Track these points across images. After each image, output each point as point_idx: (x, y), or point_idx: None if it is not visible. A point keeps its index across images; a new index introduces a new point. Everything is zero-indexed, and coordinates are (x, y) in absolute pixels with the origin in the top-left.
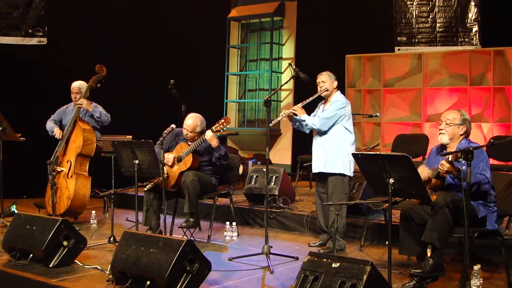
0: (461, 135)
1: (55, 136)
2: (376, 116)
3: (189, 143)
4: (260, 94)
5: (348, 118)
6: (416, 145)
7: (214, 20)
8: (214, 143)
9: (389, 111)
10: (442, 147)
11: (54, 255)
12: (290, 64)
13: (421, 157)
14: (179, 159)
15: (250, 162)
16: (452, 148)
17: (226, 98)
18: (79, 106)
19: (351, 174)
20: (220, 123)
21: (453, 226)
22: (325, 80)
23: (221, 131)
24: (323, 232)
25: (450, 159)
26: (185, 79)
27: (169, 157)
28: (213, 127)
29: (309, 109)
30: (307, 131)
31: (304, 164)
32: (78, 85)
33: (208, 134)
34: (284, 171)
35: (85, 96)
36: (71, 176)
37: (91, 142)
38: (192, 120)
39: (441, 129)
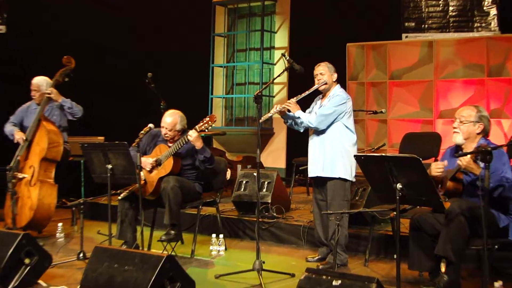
0: (478, 134)
1: (16, 141)
2: (382, 112)
3: (169, 144)
4: (249, 89)
5: (349, 115)
6: (427, 145)
7: (197, 4)
8: (199, 144)
9: (396, 106)
10: (457, 148)
11: (14, 275)
12: (283, 55)
13: (433, 158)
14: (158, 163)
15: (239, 166)
16: (469, 149)
17: (211, 93)
18: (48, 95)
19: (353, 179)
20: (205, 121)
21: (471, 237)
22: (323, 72)
23: (206, 130)
24: (322, 245)
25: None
26: (165, 72)
27: (147, 161)
28: (196, 127)
29: (305, 104)
30: (302, 130)
31: (301, 168)
32: (36, 81)
33: (193, 134)
34: (278, 175)
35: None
36: (34, 184)
37: (57, 145)
38: (171, 117)
39: (455, 128)
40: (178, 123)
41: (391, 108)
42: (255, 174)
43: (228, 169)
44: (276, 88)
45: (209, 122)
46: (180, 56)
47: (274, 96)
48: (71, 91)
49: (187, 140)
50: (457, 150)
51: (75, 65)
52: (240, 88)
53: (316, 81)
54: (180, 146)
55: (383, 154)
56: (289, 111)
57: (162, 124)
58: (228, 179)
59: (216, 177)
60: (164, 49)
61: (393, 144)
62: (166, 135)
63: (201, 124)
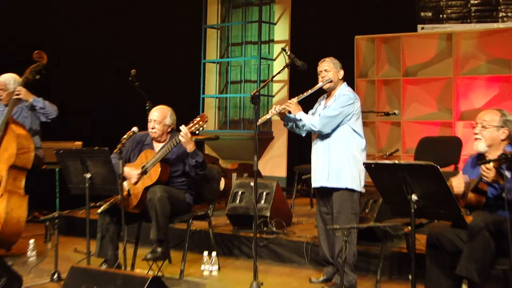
0: (502, 140)
1: None
2: (394, 114)
3: (156, 144)
4: (246, 87)
5: (357, 117)
6: (446, 151)
7: None
8: (191, 147)
9: (410, 107)
10: (480, 156)
11: None
12: (283, 49)
13: (453, 166)
14: (143, 171)
15: (233, 175)
16: (493, 157)
17: (203, 93)
18: (17, 95)
19: (362, 189)
20: (195, 122)
21: (496, 255)
22: (328, 69)
23: (197, 132)
24: (328, 264)
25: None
26: (150, 69)
27: (132, 172)
28: (186, 127)
29: (307, 105)
30: (304, 134)
31: (304, 177)
32: (3, 80)
33: (185, 135)
34: (278, 185)
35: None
36: (2, 195)
37: (28, 151)
38: (160, 110)
39: (477, 134)
40: (168, 116)
41: (405, 109)
42: (252, 184)
43: (222, 178)
44: (275, 87)
45: (200, 123)
46: (168, 51)
47: (273, 96)
48: (43, 90)
49: (177, 142)
50: (479, 159)
51: (47, 60)
52: (235, 87)
53: (320, 79)
54: (169, 150)
55: (396, 162)
56: (289, 112)
57: (149, 118)
58: (221, 189)
59: (208, 187)
60: (149, 43)
61: (408, 149)
62: (154, 130)
63: (191, 124)
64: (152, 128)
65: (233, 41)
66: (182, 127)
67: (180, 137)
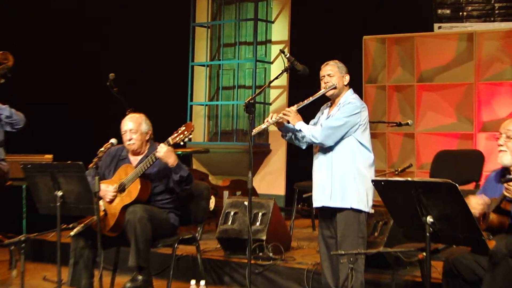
0: None
1: None
2: (407, 124)
3: (133, 157)
4: (239, 94)
5: (364, 128)
6: (466, 167)
7: None
8: (171, 161)
9: (426, 116)
10: (504, 171)
11: None
12: (282, 51)
13: (474, 183)
14: (121, 188)
15: (225, 193)
16: None
17: (191, 100)
18: None
19: (370, 210)
20: (180, 132)
21: None
22: (332, 73)
23: (182, 143)
24: None
25: None
26: (131, 73)
27: (107, 189)
28: (169, 139)
29: (308, 114)
30: (304, 146)
31: (304, 195)
32: None
33: (162, 149)
34: (275, 205)
35: None
36: None
37: None
38: (132, 118)
39: (501, 145)
40: (143, 123)
41: (419, 118)
42: (246, 203)
43: (212, 197)
44: (273, 94)
45: (185, 133)
46: (151, 52)
47: (270, 104)
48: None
49: (154, 158)
50: (503, 174)
51: (14, 63)
52: (227, 93)
53: (322, 85)
54: (148, 165)
55: (409, 179)
56: (288, 122)
57: (124, 130)
58: (211, 209)
59: (195, 206)
60: (130, 43)
61: (422, 165)
62: (131, 142)
63: (175, 135)
64: (129, 140)
65: (225, 41)
66: (161, 146)
67: (156, 153)
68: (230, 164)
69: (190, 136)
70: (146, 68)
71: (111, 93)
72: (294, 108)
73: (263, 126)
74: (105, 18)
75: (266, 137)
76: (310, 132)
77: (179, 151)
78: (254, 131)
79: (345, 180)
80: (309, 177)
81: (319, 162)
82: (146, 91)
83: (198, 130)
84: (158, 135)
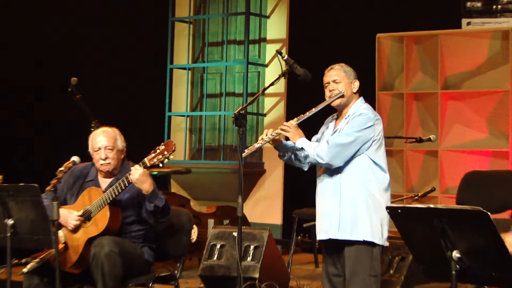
0: None
1: None
2: (430, 140)
3: (102, 179)
4: (228, 103)
5: (379, 145)
6: (500, 191)
7: None
8: (146, 186)
9: (452, 130)
10: None
11: None
12: (279, 52)
13: (509, 211)
14: (86, 216)
15: (210, 222)
16: None
17: (169, 110)
18: None
19: (385, 243)
20: (158, 152)
21: None
22: (339, 79)
23: (160, 165)
24: None
25: None
26: (98, 76)
27: (69, 215)
28: (145, 159)
29: (310, 128)
30: (307, 168)
31: (305, 225)
32: None
33: (136, 172)
34: (270, 236)
35: None
36: None
37: None
38: (106, 133)
39: None
40: (118, 138)
41: (444, 133)
42: (235, 234)
43: (194, 227)
44: (268, 103)
45: (165, 153)
46: (122, 53)
47: (265, 115)
48: None
49: (127, 182)
50: None
51: None
52: (213, 102)
53: (327, 93)
54: (119, 190)
55: (432, 205)
56: (287, 139)
57: (97, 146)
58: (193, 241)
59: (174, 238)
60: (97, 42)
61: (448, 188)
62: (107, 161)
63: (153, 155)
64: (105, 159)
65: (211, 39)
66: (135, 167)
67: (130, 176)
68: (216, 187)
69: (171, 157)
70: (115, 72)
71: (73, 101)
72: (294, 122)
73: (256, 145)
74: (74, 10)
75: (260, 155)
76: (315, 151)
77: (155, 171)
78: (246, 151)
79: (356, 208)
80: (312, 203)
81: (325, 186)
82: (115, 99)
83: (178, 146)
84: (130, 153)
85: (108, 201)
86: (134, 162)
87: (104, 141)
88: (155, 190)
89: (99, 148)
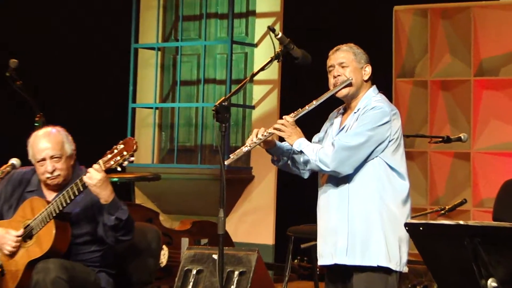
0: None
1: None
2: (460, 139)
3: (46, 188)
4: (207, 92)
5: (396, 145)
6: None
7: None
8: (107, 194)
9: (488, 128)
10: None
11: None
12: (271, 29)
13: None
14: (27, 234)
15: (184, 241)
16: None
17: (133, 100)
18: None
19: (403, 268)
20: (116, 152)
21: None
22: (346, 63)
23: (118, 169)
24: None
25: None
26: (44, 58)
27: (6, 235)
28: (100, 162)
29: (310, 125)
30: (307, 175)
31: (303, 246)
32: None
33: (94, 175)
34: (260, 260)
35: None
36: None
37: None
38: (50, 137)
39: None
40: (65, 140)
41: (478, 131)
42: (215, 256)
43: (164, 247)
44: (258, 92)
45: (124, 153)
46: (74, 28)
47: (254, 107)
48: None
49: (81, 187)
50: None
51: None
52: (188, 91)
53: (331, 80)
54: (68, 200)
55: (462, 222)
56: (282, 139)
57: (40, 156)
58: (162, 265)
59: (139, 262)
60: (45, 17)
61: (482, 200)
62: (56, 174)
63: (109, 157)
64: (52, 172)
65: (186, 12)
66: (93, 168)
67: (85, 178)
68: (191, 198)
69: (132, 158)
70: (65, 53)
71: (12, 89)
72: (290, 118)
73: (244, 149)
74: None
75: (247, 157)
76: (317, 155)
77: (115, 177)
78: (231, 157)
79: (368, 225)
80: (311, 219)
81: (329, 197)
82: (65, 88)
83: (144, 146)
84: (83, 155)
85: (54, 214)
86: (89, 167)
87: (49, 149)
88: (116, 199)
89: (43, 159)
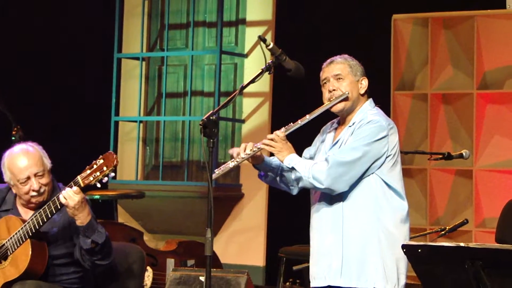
0: None
1: None
2: (462, 156)
3: (21, 207)
4: (194, 105)
5: (394, 162)
6: None
7: None
8: (83, 216)
9: (491, 144)
10: None
11: None
12: (262, 39)
13: None
14: (2, 255)
15: (170, 262)
16: None
17: (116, 114)
18: None
19: None
20: (95, 167)
21: None
22: (342, 75)
23: (98, 185)
24: None
25: None
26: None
27: None
28: (78, 178)
29: (301, 139)
30: (296, 191)
31: (295, 268)
32: None
33: (70, 195)
34: (249, 282)
35: None
36: None
37: None
38: (28, 154)
39: None
40: (43, 156)
41: (480, 147)
42: (202, 278)
43: (149, 268)
44: (248, 106)
45: (104, 169)
46: (55, 40)
47: (243, 121)
48: None
49: (58, 205)
50: None
51: None
52: (174, 104)
53: (326, 94)
54: (45, 219)
55: (463, 244)
56: (272, 154)
57: (24, 176)
58: (147, 287)
59: (121, 283)
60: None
61: (484, 220)
62: (42, 191)
63: (88, 172)
64: (38, 190)
65: (172, 21)
66: (67, 191)
67: (62, 199)
68: (177, 217)
69: (112, 174)
70: (44, 63)
71: None
72: (281, 133)
73: (231, 164)
74: None
75: (236, 174)
76: (310, 171)
77: (96, 195)
78: (217, 172)
79: (364, 245)
80: (304, 239)
81: (322, 216)
82: (43, 99)
83: (128, 162)
84: (61, 172)
85: (31, 233)
86: (66, 184)
87: (32, 166)
88: (92, 221)
89: (28, 178)
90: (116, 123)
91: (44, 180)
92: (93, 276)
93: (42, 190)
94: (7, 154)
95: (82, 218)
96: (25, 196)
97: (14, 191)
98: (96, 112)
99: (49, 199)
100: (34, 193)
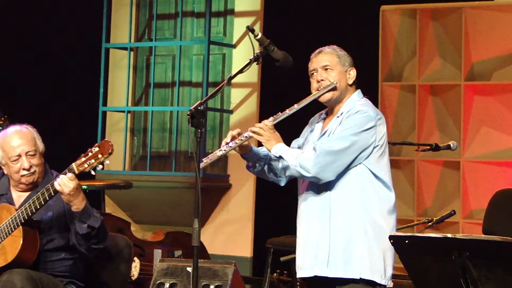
0: None
1: None
2: (449, 148)
3: (16, 192)
4: (182, 96)
5: (381, 153)
6: None
7: None
8: (78, 202)
9: (479, 135)
10: None
11: None
12: (250, 29)
13: None
14: None
15: (157, 252)
16: None
17: (104, 104)
18: None
19: (388, 282)
20: (91, 154)
21: None
22: (330, 66)
23: (92, 172)
24: None
25: None
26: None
27: None
28: (73, 165)
29: (289, 129)
30: (284, 182)
31: (283, 259)
32: None
33: (65, 182)
34: (237, 273)
35: None
36: None
37: None
38: (21, 134)
39: None
40: (36, 138)
41: (468, 138)
42: (190, 269)
43: (136, 259)
44: (236, 96)
45: (99, 156)
46: (42, 29)
47: (231, 112)
48: None
49: (52, 192)
50: None
51: None
52: (162, 94)
53: (314, 84)
54: (38, 206)
55: (449, 235)
56: (259, 144)
57: (15, 154)
58: (134, 278)
59: (109, 273)
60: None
61: (472, 212)
62: (32, 171)
63: (83, 159)
64: (29, 169)
65: (160, 11)
66: (66, 175)
67: (57, 186)
68: (165, 207)
69: (107, 162)
70: (31, 53)
71: None
72: (269, 122)
73: (219, 153)
74: None
75: (224, 164)
76: (297, 160)
77: (84, 185)
78: (205, 161)
79: (351, 236)
80: (291, 230)
81: (309, 207)
82: (31, 90)
83: (115, 153)
84: (51, 161)
85: (23, 221)
86: (57, 172)
87: (23, 145)
88: (88, 206)
89: (19, 156)
90: (104, 113)
91: (36, 161)
92: (83, 265)
93: (32, 170)
94: (1, 134)
95: (78, 203)
96: (15, 175)
97: (5, 171)
98: (84, 102)
99: (40, 183)
100: (25, 172)
